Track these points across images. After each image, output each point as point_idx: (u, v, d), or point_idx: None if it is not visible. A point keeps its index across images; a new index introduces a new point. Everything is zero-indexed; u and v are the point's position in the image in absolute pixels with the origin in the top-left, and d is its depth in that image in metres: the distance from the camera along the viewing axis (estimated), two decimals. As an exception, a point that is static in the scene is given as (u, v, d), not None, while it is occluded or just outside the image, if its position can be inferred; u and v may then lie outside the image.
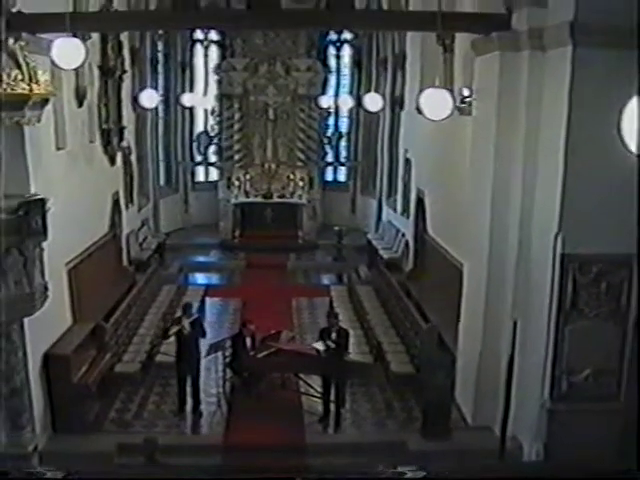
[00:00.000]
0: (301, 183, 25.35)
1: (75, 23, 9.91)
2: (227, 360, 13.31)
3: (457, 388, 12.39)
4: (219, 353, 13.28)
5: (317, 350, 12.33)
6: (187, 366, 12.60)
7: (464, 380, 12.22)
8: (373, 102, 19.95)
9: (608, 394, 10.30)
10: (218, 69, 25.85)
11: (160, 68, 25.26)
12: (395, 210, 22.53)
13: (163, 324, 15.66)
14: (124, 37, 19.09)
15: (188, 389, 12.74)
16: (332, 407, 12.37)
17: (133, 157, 21.20)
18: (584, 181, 9.48)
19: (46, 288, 9.93)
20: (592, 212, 9.53)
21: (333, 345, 12.17)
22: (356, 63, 27.03)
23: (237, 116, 25.70)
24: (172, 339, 12.83)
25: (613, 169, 8.96)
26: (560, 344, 10.15)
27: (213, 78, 26.37)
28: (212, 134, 26.69)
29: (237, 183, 25.32)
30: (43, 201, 9.56)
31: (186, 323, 12.47)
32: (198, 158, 27.41)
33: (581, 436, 9.95)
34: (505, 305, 11.10)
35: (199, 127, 27.49)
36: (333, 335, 12.31)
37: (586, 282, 9.94)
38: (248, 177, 25.40)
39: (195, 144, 27.28)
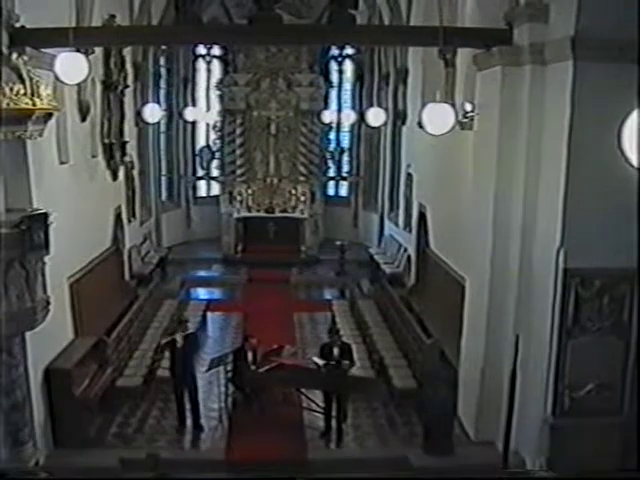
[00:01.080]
0: (303, 198, 25.39)
1: (78, 38, 9.96)
2: (229, 375, 13.28)
3: (459, 403, 12.35)
4: (221, 368, 13.26)
5: (317, 364, 12.30)
6: (182, 381, 12.54)
7: (466, 395, 12.18)
8: (376, 117, 20.01)
9: (611, 409, 10.25)
10: (220, 84, 25.92)
11: (162, 83, 25.42)
12: (397, 225, 22.56)
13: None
14: (127, 52, 19.15)
15: (187, 404, 12.70)
16: (334, 422, 12.33)
17: (135, 171, 21.26)
18: (586, 195, 9.48)
19: (48, 302, 9.94)
20: (594, 226, 9.52)
21: (333, 362, 12.15)
22: (358, 78, 27.17)
23: (239, 131, 25.74)
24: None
25: (615, 183, 8.97)
26: (562, 359, 10.10)
27: (215, 93, 26.44)
28: (214, 149, 26.71)
29: (239, 198, 25.37)
30: (45, 215, 9.57)
31: (179, 337, 12.43)
32: (200, 173, 27.45)
33: (584, 451, 9.92)
34: (507, 320, 11.08)
35: (201, 142, 27.60)
36: (335, 351, 12.30)
37: (588, 296, 9.91)
38: (250, 192, 25.44)
39: (197, 158, 27.35)
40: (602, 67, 9.06)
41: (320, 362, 12.22)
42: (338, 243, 23.76)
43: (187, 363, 12.51)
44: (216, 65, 27.29)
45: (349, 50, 27.16)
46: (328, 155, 27.04)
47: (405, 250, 20.98)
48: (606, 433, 10.15)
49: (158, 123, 23.67)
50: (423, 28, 14.25)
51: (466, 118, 13.79)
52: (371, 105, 24.24)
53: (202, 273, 24.00)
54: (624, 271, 9.70)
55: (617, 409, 10.26)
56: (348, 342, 13.20)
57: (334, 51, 27.36)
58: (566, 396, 10.23)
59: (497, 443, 11.22)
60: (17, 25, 9.96)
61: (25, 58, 9.57)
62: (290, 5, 23.88)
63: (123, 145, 18.83)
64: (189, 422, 12.62)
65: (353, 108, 26.61)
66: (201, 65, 27.15)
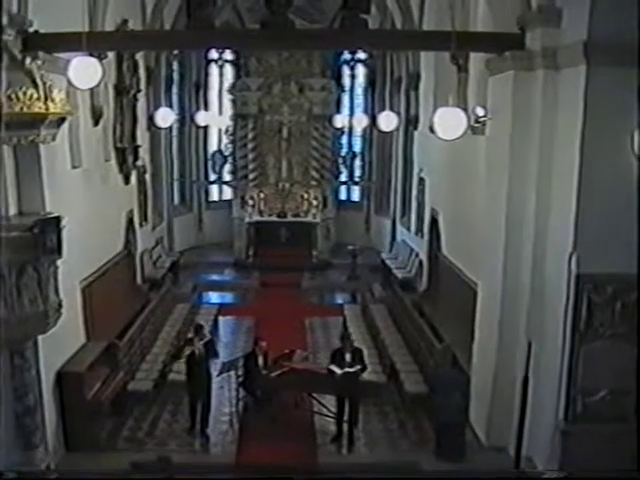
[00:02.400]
0: (315, 202, 25.37)
1: (91, 43, 9.98)
2: (240, 379, 13.28)
3: (471, 408, 12.30)
4: (232, 372, 13.26)
5: (332, 372, 12.26)
6: (198, 387, 12.55)
7: (478, 400, 12.14)
8: (388, 121, 19.93)
9: (624, 415, 10.18)
10: (232, 88, 25.96)
11: (175, 87, 25.46)
12: (409, 229, 22.52)
13: (177, 343, 15.68)
14: (139, 57, 19.22)
15: (199, 410, 12.68)
16: (345, 427, 12.30)
17: (147, 176, 21.30)
18: (598, 200, 9.44)
19: (60, 306, 9.97)
20: (606, 232, 9.47)
21: (351, 370, 12.14)
22: (370, 83, 27.16)
23: (251, 135, 25.76)
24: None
25: (628, 188, 8.93)
26: (575, 364, 10.06)
27: (227, 97, 26.47)
28: (226, 153, 26.68)
29: (251, 202, 25.38)
30: (58, 219, 9.61)
31: (199, 345, 12.44)
32: (212, 177, 27.45)
33: (597, 458, 9.86)
34: (519, 325, 11.04)
35: (213, 146, 27.61)
36: (347, 356, 12.29)
37: (601, 302, 9.86)
38: (262, 196, 25.46)
39: (209, 163, 27.37)
40: (615, 71, 9.01)
41: (338, 371, 12.19)
42: (350, 248, 23.76)
43: (204, 370, 12.52)
44: (228, 69, 27.33)
45: (361, 55, 27.17)
46: (340, 160, 27.00)
47: (417, 255, 20.95)
48: (619, 439, 10.07)
49: (170, 127, 23.69)
50: (435, 33, 14.21)
51: (478, 123, 13.77)
52: (383, 109, 24.15)
53: (214, 277, 24.03)
54: (637, 277, 9.64)
55: (630, 415, 10.19)
56: (359, 347, 13.18)
57: (346, 55, 27.35)
58: (579, 402, 10.18)
59: (509, 449, 11.17)
60: (31, 30, 10.01)
61: (38, 62, 9.63)
62: (302, 10, 23.87)
63: (135, 149, 18.88)
64: (197, 427, 12.62)
65: (365, 112, 26.47)
66: (213, 69, 27.19)
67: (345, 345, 12.63)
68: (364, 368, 12.51)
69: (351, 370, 12.15)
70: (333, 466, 11.67)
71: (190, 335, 13.38)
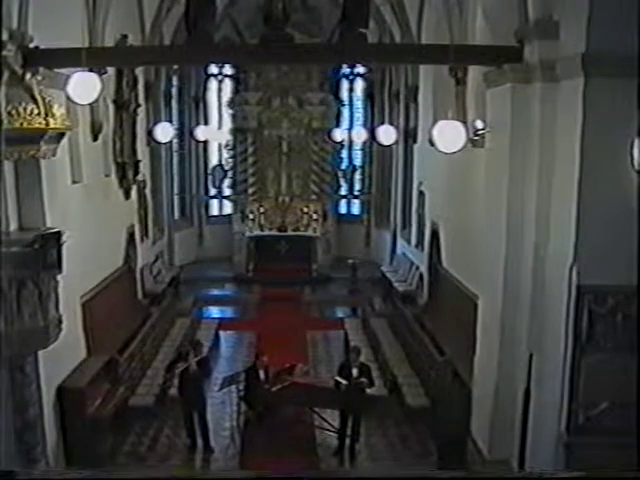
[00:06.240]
0: (315, 216, 25.37)
1: (91, 58, 10.02)
2: (241, 393, 13.25)
3: (473, 421, 12.26)
4: (233, 387, 13.23)
5: (337, 383, 12.23)
6: (191, 404, 12.51)
7: (480, 413, 12.10)
8: (387, 134, 19.94)
9: (626, 428, 10.14)
10: (232, 103, 26.07)
11: (174, 102, 25.51)
12: (409, 243, 22.52)
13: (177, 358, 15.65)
14: (139, 72, 19.29)
15: (197, 426, 12.65)
16: (347, 441, 12.27)
17: (148, 190, 21.34)
18: (598, 212, 9.42)
19: (60, 321, 9.96)
20: (607, 243, 9.45)
21: (357, 382, 12.10)
22: (369, 96, 27.24)
23: (251, 149, 25.82)
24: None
25: (628, 199, 8.92)
26: (576, 376, 10.00)
27: (227, 112, 26.56)
28: (226, 167, 26.76)
29: (251, 216, 25.39)
30: (58, 234, 9.62)
31: (193, 362, 12.40)
32: (212, 191, 27.55)
33: (599, 471, 9.81)
34: (520, 337, 11.01)
35: (213, 161, 27.67)
36: (354, 371, 12.26)
37: (602, 314, 9.82)
38: (262, 210, 25.47)
39: (210, 177, 27.43)
40: (613, 83, 9.01)
41: (343, 382, 12.15)
42: (350, 261, 23.80)
43: (198, 387, 12.49)
44: (228, 84, 27.39)
45: (360, 68, 27.26)
46: (340, 173, 27.07)
47: (417, 268, 20.94)
48: (622, 452, 10.03)
49: (171, 142, 23.72)
50: (434, 46, 14.24)
51: (477, 136, 13.80)
52: (382, 122, 24.18)
53: (214, 292, 24.07)
54: (637, 288, 9.62)
55: (633, 428, 10.14)
56: (366, 363, 13.11)
57: (345, 69, 27.46)
58: (580, 414, 10.12)
59: (512, 461, 11.13)
60: (31, 45, 10.05)
61: (38, 78, 9.66)
62: (301, 25, 23.94)
63: (136, 164, 18.92)
64: (200, 442, 12.58)
65: (364, 126, 26.47)
66: (213, 84, 27.26)
67: (353, 359, 12.60)
68: (370, 384, 12.46)
69: (357, 382, 12.12)
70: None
71: (187, 349, 13.34)
